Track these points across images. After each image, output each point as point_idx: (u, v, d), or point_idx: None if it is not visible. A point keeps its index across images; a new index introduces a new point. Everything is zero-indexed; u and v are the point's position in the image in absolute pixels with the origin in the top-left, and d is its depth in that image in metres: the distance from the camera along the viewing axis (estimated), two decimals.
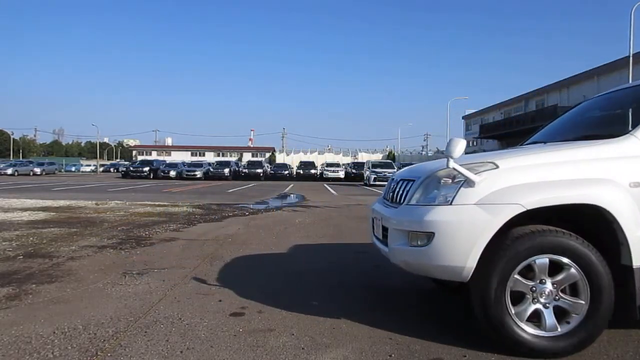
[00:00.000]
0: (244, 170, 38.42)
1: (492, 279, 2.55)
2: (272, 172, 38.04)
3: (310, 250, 6.07)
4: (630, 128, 2.89)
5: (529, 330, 2.57)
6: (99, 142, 71.95)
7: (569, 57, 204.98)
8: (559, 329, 2.58)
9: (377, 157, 60.32)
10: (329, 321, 3.22)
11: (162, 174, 35.68)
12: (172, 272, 4.64)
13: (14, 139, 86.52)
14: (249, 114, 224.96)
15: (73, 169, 61.63)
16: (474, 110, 60.03)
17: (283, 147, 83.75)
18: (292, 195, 18.52)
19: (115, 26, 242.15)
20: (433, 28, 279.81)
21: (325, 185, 27.77)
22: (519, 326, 2.56)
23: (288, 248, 6.11)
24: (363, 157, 62.28)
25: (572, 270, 2.57)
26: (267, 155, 73.21)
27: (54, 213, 9.76)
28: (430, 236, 2.66)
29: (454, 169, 2.67)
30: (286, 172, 37.83)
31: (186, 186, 23.85)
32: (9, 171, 41.03)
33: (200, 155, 75.81)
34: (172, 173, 35.29)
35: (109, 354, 2.62)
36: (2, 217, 8.89)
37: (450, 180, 2.75)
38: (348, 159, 61.81)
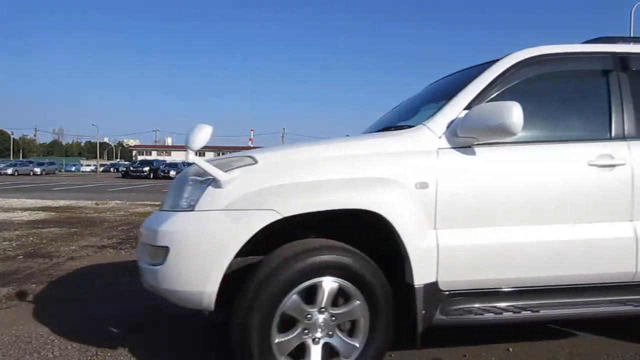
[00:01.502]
0: None
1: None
2: None
3: None
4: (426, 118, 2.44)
5: None
6: (99, 142, 71.96)
7: None
8: None
9: None
10: None
11: (162, 173, 35.61)
12: None
13: (14, 139, 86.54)
14: (249, 114, 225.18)
15: (73, 168, 61.54)
16: None
17: None
18: None
19: (115, 26, 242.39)
20: (441, 25, 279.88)
21: None
22: None
23: None
24: None
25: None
26: None
27: (54, 213, 9.77)
28: (165, 252, 2.08)
29: (195, 164, 2.15)
30: None
31: None
32: (9, 171, 40.98)
33: (200, 155, 74.31)
34: (172, 173, 35.19)
35: (109, 354, 2.63)
36: (2, 217, 8.89)
37: (200, 180, 2.21)
38: None
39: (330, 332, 2.14)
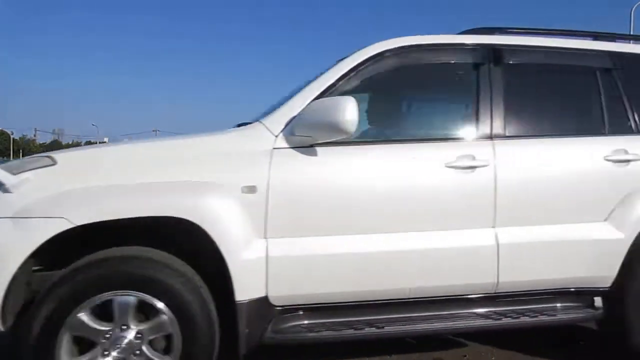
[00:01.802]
0: None
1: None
2: None
3: None
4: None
5: None
6: (99, 142, 71.82)
7: None
8: None
9: None
10: None
11: None
12: None
13: (14, 139, 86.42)
14: (249, 113, 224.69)
15: None
16: None
17: None
18: None
19: (115, 25, 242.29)
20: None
21: None
22: None
23: None
24: None
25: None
26: None
27: None
28: None
29: None
30: None
31: None
32: None
33: None
34: None
35: None
36: None
37: None
38: None
39: None
